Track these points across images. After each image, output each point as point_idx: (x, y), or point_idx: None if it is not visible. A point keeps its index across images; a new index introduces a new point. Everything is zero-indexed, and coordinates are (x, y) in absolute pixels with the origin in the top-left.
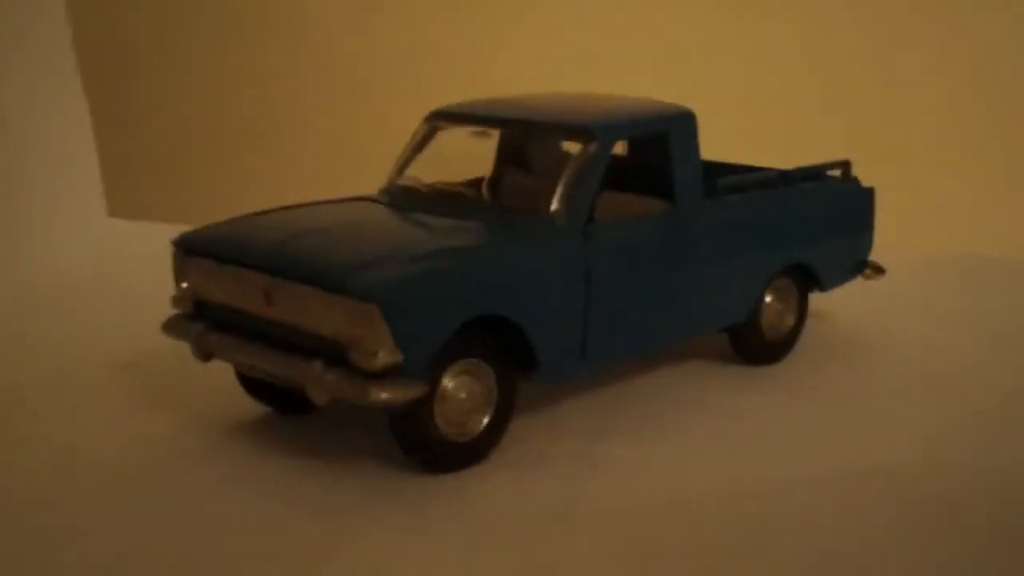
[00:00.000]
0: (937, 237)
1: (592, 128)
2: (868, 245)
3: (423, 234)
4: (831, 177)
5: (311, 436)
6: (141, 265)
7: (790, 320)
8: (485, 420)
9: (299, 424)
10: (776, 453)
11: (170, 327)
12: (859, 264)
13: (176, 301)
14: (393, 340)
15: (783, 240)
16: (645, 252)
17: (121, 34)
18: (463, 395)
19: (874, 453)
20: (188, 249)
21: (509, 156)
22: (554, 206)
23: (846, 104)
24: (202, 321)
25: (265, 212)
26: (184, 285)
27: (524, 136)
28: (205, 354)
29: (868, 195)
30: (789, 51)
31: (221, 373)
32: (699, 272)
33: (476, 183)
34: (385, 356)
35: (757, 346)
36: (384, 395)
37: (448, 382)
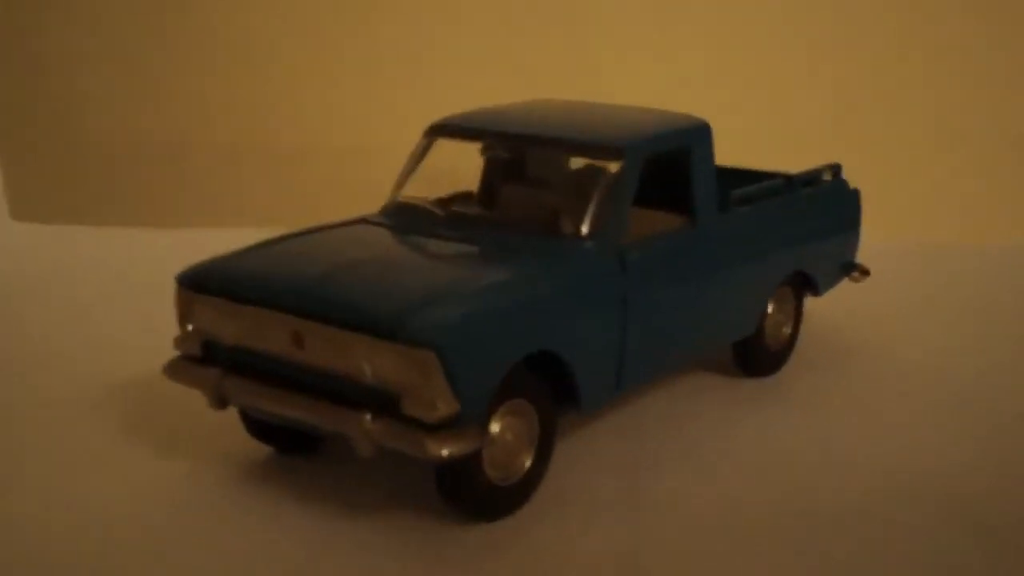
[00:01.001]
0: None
1: (621, 146)
2: (856, 246)
3: (462, 266)
4: (823, 180)
5: (329, 479)
6: (48, 268)
7: (788, 328)
8: (528, 461)
9: (308, 465)
10: (817, 470)
11: (176, 372)
12: (847, 266)
13: (181, 343)
14: (451, 388)
15: (788, 248)
16: (671, 272)
17: (21, 34)
18: (510, 437)
19: (906, 461)
20: (197, 286)
21: (515, 171)
22: (585, 229)
23: (813, 91)
24: (214, 364)
25: (271, 243)
26: (191, 326)
27: (540, 152)
28: (221, 401)
29: (856, 197)
30: (765, 40)
31: (189, 402)
32: (717, 288)
33: (463, 197)
34: (444, 406)
35: (761, 357)
36: (446, 450)
37: (495, 425)
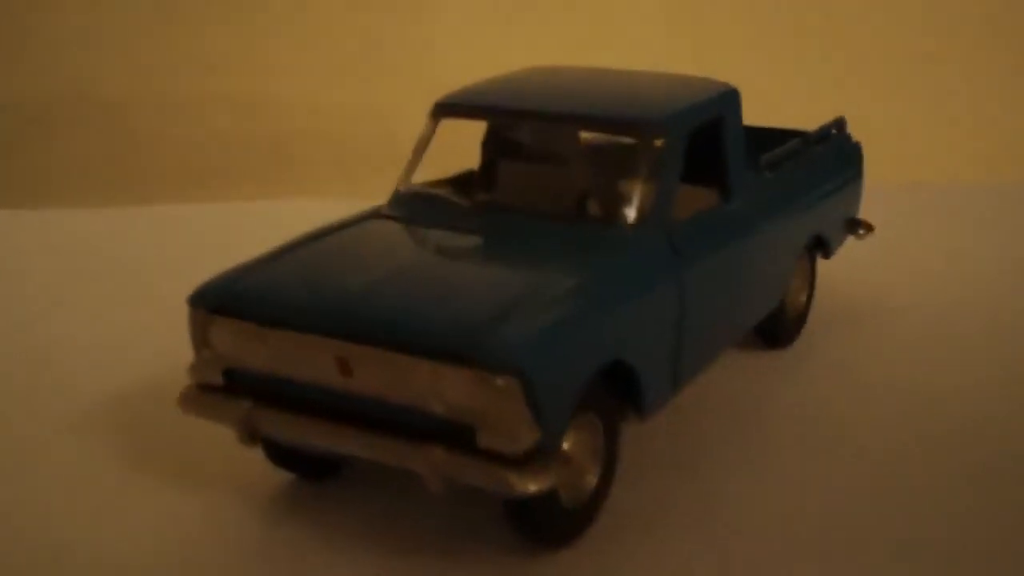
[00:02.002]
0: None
1: (663, 120)
2: (859, 202)
3: (517, 270)
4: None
5: (360, 507)
6: None
7: (804, 295)
8: (595, 478)
9: (335, 492)
10: (867, 445)
11: (196, 404)
12: (852, 223)
13: (198, 371)
14: (532, 415)
15: (810, 211)
16: (716, 253)
17: None
18: (579, 455)
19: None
20: (216, 308)
21: (533, 152)
22: (637, 216)
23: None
24: (240, 394)
25: (286, 251)
26: (209, 352)
27: (565, 131)
28: (252, 436)
29: (859, 151)
30: None
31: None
32: (753, 262)
33: (465, 178)
34: (527, 436)
35: (783, 326)
36: (532, 486)
37: (566, 444)
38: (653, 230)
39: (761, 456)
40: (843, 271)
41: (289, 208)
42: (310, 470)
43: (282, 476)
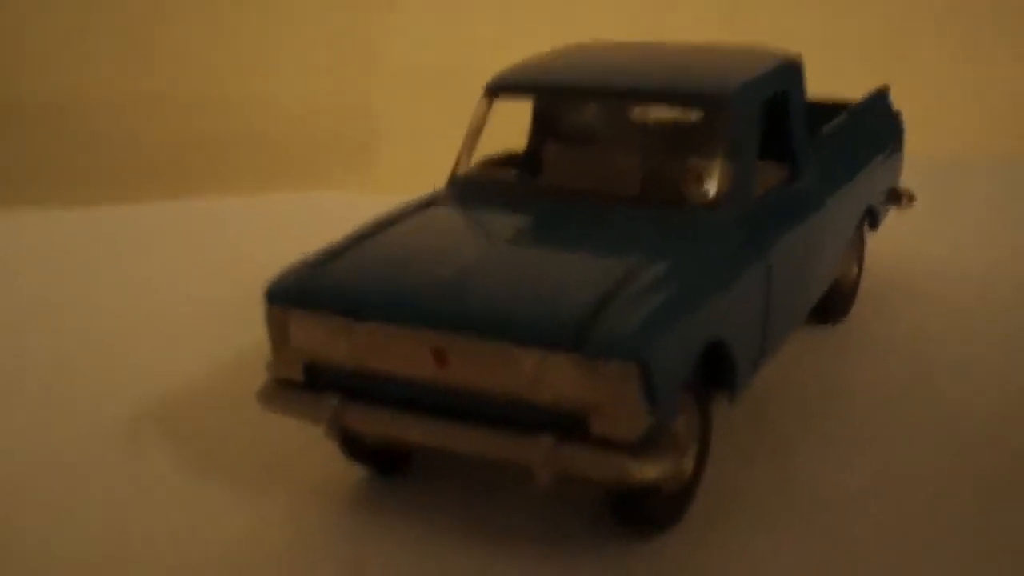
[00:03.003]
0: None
1: (737, 92)
2: (900, 172)
3: (609, 256)
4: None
5: (447, 500)
6: None
7: (855, 268)
8: (692, 462)
9: (415, 485)
10: (934, 421)
11: (277, 401)
12: (894, 194)
13: (278, 367)
14: (647, 400)
15: (864, 184)
16: (791, 230)
17: None
18: (683, 439)
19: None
20: (296, 302)
21: (593, 131)
22: (721, 195)
23: None
24: (327, 390)
25: (356, 241)
26: (289, 347)
27: (630, 108)
28: (342, 432)
29: (900, 121)
30: None
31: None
32: (820, 237)
33: (511, 161)
34: (643, 422)
35: (837, 301)
36: (651, 472)
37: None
38: (738, 209)
39: (835, 435)
40: (883, 244)
41: (266, 202)
42: (385, 464)
43: (352, 472)
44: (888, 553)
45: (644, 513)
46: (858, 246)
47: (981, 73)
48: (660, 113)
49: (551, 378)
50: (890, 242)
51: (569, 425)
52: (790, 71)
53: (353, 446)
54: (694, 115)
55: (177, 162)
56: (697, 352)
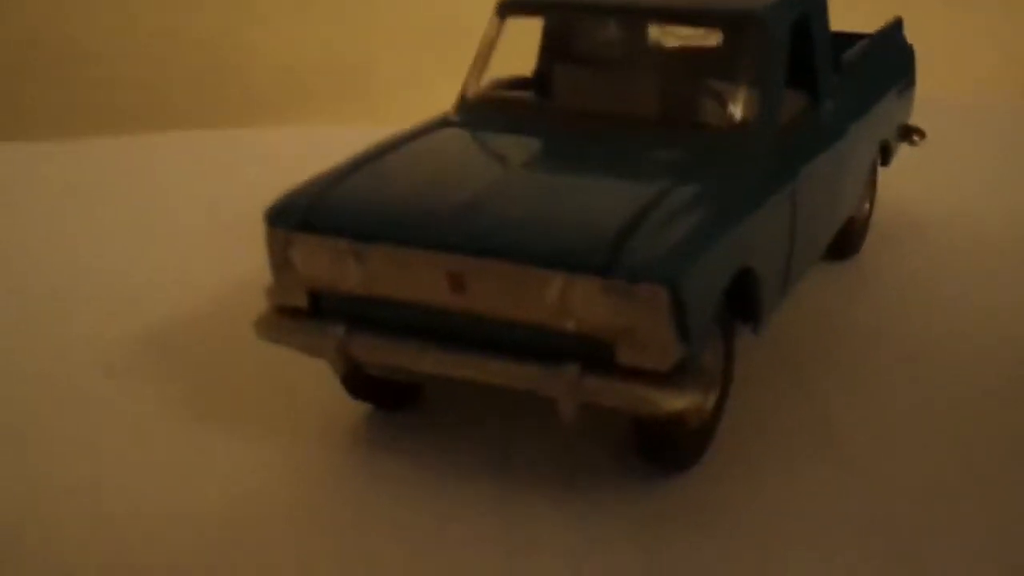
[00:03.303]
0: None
1: (766, 13)
2: (911, 108)
3: (636, 179)
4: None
5: (459, 434)
6: None
7: (867, 203)
8: (716, 396)
9: (422, 420)
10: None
11: (277, 330)
12: (906, 129)
13: (279, 293)
14: (677, 327)
15: (881, 116)
16: (815, 158)
17: None
18: (710, 371)
19: None
20: (300, 224)
21: (611, 52)
22: (751, 118)
23: None
24: (332, 318)
25: (364, 161)
26: (292, 273)
27: (651, 29)
28: (348, 363)
29: (912, 55)
30: None
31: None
32: (841, 169)
33: (519, 84)
34: (674, 350)
35: (850, 237)
36: (680, 402)
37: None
38: (767, 134)
39: (851, 370)
40: (892, 180)
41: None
42: (390, 399)
43: (355, 408)
44: (909, 486)
45: (668, 448)
46: (871, 181)
47: (973, 23)
48: (678, 35)
49: (576, 304)
50: (895, 178)
51: (593, 354)
52: None
53: (356, 380)
54: (719, 37)
55: (170, 98)
56: (728, 279)
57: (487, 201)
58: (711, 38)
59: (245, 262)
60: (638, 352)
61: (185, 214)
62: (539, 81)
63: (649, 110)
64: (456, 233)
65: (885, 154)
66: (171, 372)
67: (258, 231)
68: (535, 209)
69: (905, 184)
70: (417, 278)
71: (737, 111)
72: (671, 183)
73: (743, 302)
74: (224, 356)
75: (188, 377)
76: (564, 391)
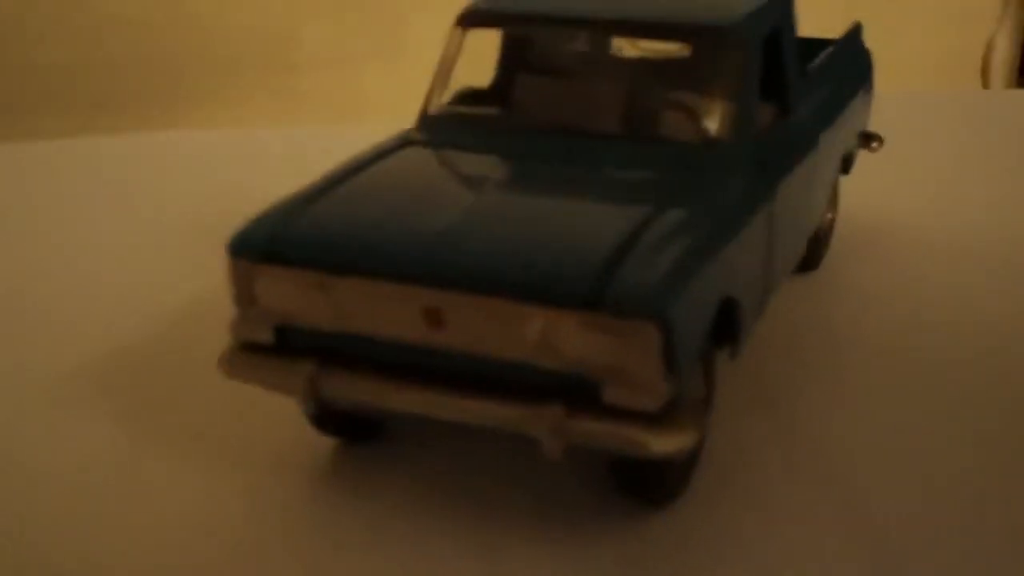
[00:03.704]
0: None
1: (741, 26)
2: (870, 114)
3: (615, 202)
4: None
5: (434, 471)
6: None
7: (831, 213)
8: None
9: (389, 454)
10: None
11: (243, 368)
12: (866, 136)
13: (243, 329)
14: (666, 364)
15: (844, 125)
16: (792, 172)
17: None
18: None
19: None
20: (265, 256)
21: (577, 65)
22: (729, 134)
23: None
24: (297, 354)
25: (327, 187)
26: (256, 307)
27: (614, 41)
28: (317, 402)
29: (870, 59)
30: None
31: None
32: (814, 181)
33: (477, 97)
34: (664, 389)
35: (814, 248)
36: (673, 444)
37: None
38: (744, 150)
39: (829, 384)
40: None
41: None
42: (356, 433)
43: (320, 442)
44: (895, 499)
45: (651, 482)
46: (834, 189)
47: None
48: (645, 48)
49: (559, 340)
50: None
51: (577, 392)
52: (783, 4)
53: (322, 414)
54: (691, 50)
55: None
56: (714, 310)
57: (463, 230)
58: (682, 50)
59: (197, 277)
60: (626, 392)
61: (129, 221)
62: (498, 95)
63: (624, 127)
64: (432, 265)
65: (847, 162)
66: (123, 400)
67: (195, 238)
68: (514, 238)
69: (862, 186)
70: (391, 312)
71: (715, 127)
72: (654, 208)
73: (722, 327)
74: (180, 384)
75: (142, 404)
76: (548, 433)
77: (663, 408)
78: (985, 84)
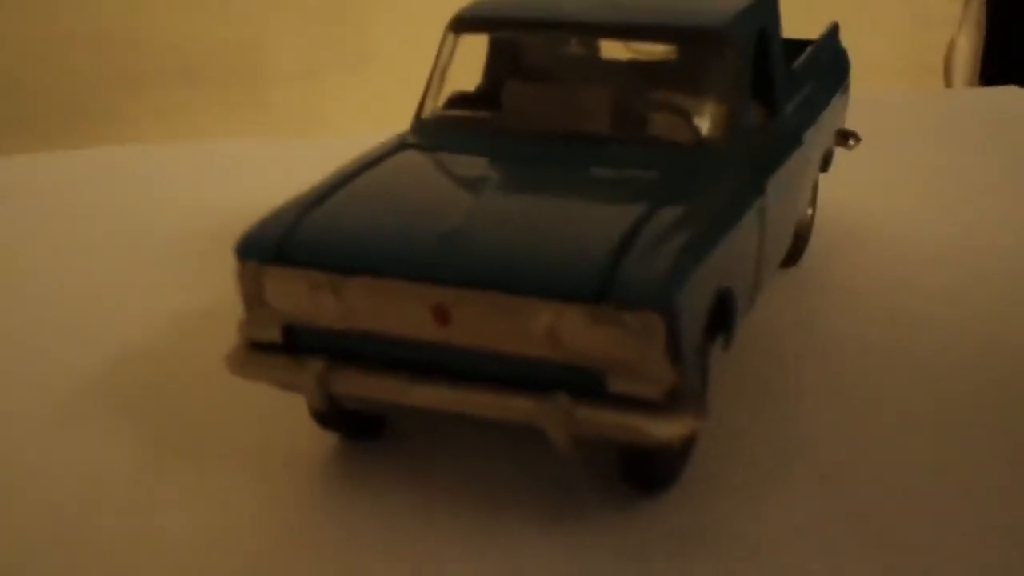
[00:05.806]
0: None
1: (731, 26)
2: (845, 112)
3: (616, 200)
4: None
5: (425, 463)
6: None
7: (810, 210)
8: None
9: (393, 449)
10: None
11: (250, 366)
12: (844, 134)
13: (252, 328)
14: (671, 354)
15: (824, 123)
16: (781, 170)
17: None
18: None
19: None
20: (273, 257)
21: (571, 69)
22: (716, 134)
23: None
24: (305, 353)
25: (329, 190)
26: (265, 308)
27: (605, 43)
28: (326, 399)
29: (847, 58)
30: None
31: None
32: (799, 178)
33: (467, 101)
34: (668, 377)
35: (796, 243)
36: (676, 429)
37: None
38: (736, 149)
39: (816, 380)
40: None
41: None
42: (360, 428)
43: (324, 438)
44: (886, 491)
45: (653, 470)
46: (815, 187)
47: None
48: (638, 50)
49: (564, 333)
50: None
51: (582, 383)
52: (769, 5)
53: (326, 412)
54: (684, 52)
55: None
56: (712, 301)
57: (468, 229)
58: (674, 52)
59: (190, 287)
60: (631, 381)
61: (118, 232)
62: (491, 99)
63: (619, 128)
64: (440, 263)
65: (826, 160)
66: (133, 406)
67: (188, 248)
68: (518, 236)
69: (835, 185)
70: (399, 311)
71: (708, 127)
72: (652, 205)
73: (716, 319)
74: (185, 389)
75: (149, 410)
76: (555, 423)
77: (667, 396)
78: (948, 83)
